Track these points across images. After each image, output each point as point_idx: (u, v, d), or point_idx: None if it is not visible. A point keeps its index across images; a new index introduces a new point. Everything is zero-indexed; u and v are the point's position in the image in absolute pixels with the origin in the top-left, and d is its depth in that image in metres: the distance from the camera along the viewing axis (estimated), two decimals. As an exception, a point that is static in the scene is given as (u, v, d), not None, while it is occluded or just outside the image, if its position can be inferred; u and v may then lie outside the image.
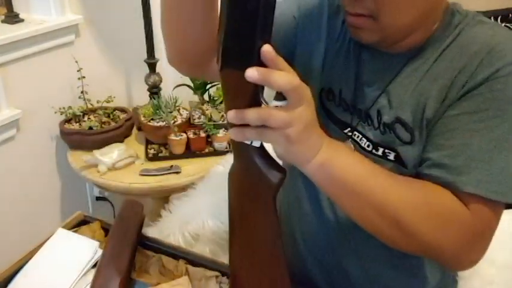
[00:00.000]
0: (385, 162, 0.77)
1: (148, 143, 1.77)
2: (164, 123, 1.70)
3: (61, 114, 1.74)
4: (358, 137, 0.80)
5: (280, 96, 0.57)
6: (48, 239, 0.91)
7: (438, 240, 0.67)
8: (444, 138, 0.70)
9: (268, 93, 0.58)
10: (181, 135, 1.68)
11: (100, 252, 0.87)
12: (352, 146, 0.80)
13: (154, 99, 1.78)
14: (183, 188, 1.53)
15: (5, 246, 1.63)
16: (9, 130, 1.63)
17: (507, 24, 1.33)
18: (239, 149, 0.64)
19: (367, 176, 0.67)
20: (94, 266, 0.87)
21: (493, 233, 0.70)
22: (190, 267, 0.87)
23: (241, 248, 0.71)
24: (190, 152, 1.71)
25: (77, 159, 1.68)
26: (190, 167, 1.64)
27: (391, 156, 0.77)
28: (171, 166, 1.64)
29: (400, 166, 0.76)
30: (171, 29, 0.73)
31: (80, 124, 1.74)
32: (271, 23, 0.54)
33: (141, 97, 1.92)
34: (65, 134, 1.73)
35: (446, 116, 0.71)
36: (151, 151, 1.73)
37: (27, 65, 1.65)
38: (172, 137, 1.68)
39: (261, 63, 0.55)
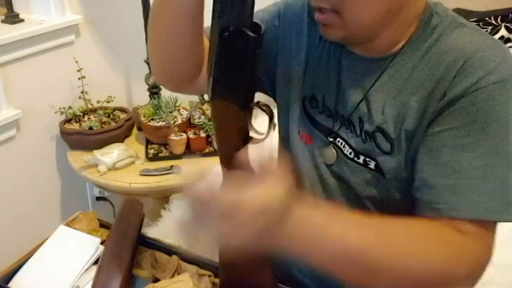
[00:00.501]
0: (365, 171, 0.76)
1: (148, 143, 1.77)
2: (164, 123, 1.70)
3: (61, 114, 1.74)
4: (341, 143, 0.80)
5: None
6: (49, 236, 0.92)
7: (450, 282, 0.62)
8: (432, 156, 0.68)
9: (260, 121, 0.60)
10: (182, 135, 1.68)
11: (101, 248, 0.88)
12: (334, 152, 0.80)
13: (155, 99, 1.78)
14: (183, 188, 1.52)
15: (5, 246, 1.63)
16: (9, 130, 1.63)
17: (507, 24, 1.33)
18: (229, 168, 0.65)
19: (356, 241, 0.58)
20: (95, 262, 0.87)
21: (493, 248, 0.66)
22: (183, 263, 0.88)
23: (228, 259, 0.73)
24: (191, 152, 1.71)
25: (77, 159, 1.68)
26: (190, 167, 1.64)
27: (372, 165, 0.76)
28: (171, 166, 1.64)
29: (379, 175, 0.75)
30: (159, 51, 0.75)
31: (80, 124, 1.75)
32: (259, 57, 0.56)
33: (141, 97, 1.92)
34: (65, 134, 1.73)
35: (431, 134, 0.68)
36: (152, 151, 1.73)
37: (27, 65, 1.65)
38: (173, 137, 1.68)
39: (250, 94, 0.58)
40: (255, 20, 0.55)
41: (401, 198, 0.76)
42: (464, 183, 0.64)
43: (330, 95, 0.80)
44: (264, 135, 0.60)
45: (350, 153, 0.78)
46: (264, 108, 0.58)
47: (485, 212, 0.64)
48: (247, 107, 0.58)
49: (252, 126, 0.60)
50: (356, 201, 0.80)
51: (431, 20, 0.72)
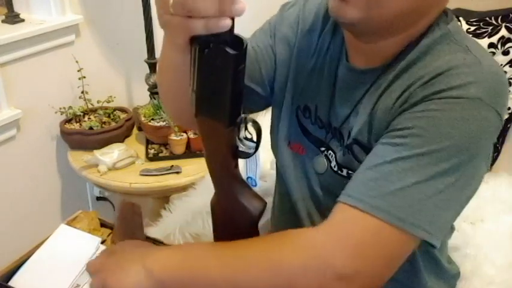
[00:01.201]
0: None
1: (148, 143, 1.77)
2: (164, 123, 1.70)
3: (61, 114, 1.75)
4: (331, 155, 0.79)
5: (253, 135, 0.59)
6: (50, 235, 0.92)
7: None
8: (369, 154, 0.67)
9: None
10: (182, 135, 1.68)
11: (102, 248, 0.88)
12: (325, 162, 0.79)
13: (155, 99, 1.78)
14: (184, 188, 1.53)
15: (5, 246, 1.63)
16: (9, 130, 1.63)
17: (507, 24, 1.33)
18: (219, 182, 0.66)
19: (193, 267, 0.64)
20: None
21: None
22: None
23: None
24: (191, 152, 1.71)
25: (77, 159, 1.68)
26: (190, 167, 1.64)
27: None
28: (172, 166, 1.64)
29: None
30: (166, 98, 0.77)
31: (80, 124, 1.75)
32: (242, 72, 0.54)
33: (141, 97, 1.92)
34: (66, 134, 1.73)
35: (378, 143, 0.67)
36: (152, 151, 1.73)
37: (27, 65, 1.65)
38: (173, 137, 1.68)
39: (235, 110, 0.56)
40: (251, 42, 0.54)
41: None
42: (369, 175, 0.62)
43: (322, 106, 0.79)
44: (253, 150, 0.59)
45: (334, 166, 0.78)
46: (251, 123, 0.57)
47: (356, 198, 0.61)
48: (233, 123, 0.57)
49: (241, 140, 0.59)
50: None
51: (427, 34, 0.68)
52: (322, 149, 0.80)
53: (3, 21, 1.64)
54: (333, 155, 0.78)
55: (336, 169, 0.78)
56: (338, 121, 0.77)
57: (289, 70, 0.83)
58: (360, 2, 0.64)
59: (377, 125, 0.70)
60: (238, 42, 0.52)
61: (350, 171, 0.75)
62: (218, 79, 0.53)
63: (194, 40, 0.51)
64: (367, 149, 0.70)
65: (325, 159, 0.80)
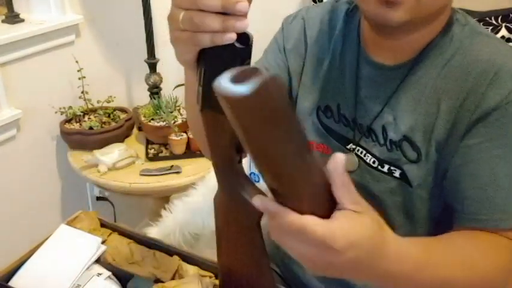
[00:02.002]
0: (390, 179, 0.76)
1: (148, 143, 1.77)
2: (164, 123, 1.70)
3: (61, 114, 1.75)
4: (361, 152, 0.79)
5: None
6: (50, 235, 0.92)
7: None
8: (468, 168, 0.69)
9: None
10: (182, 135, 1.68)
11: (102, 248, 0.88)
12: (356, 159, 0.79)
13: (155, 99, 1.78)
14: (184, 188, 1.53)
15: (5, 246, 1.63)
16: (9, 130, 1.63)
17: (507, 24, 1.33)
18: (223, 177, 0.65)
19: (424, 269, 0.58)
20: (96, 261, 0.87)
21: None
22: (184, 264, 0.88)
23: (227, 263, 0.73)
24: (191, 152, 1.71)
25: (77, 159, 1.68)
26: (190, 167, 1.64)
27: (397, 174, 0.76)
28: (172, 166, 1.64)
29: (405, 184, 0.75)
30: (199, 134, 0.77)
31: (81, 124, 1.75)
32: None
33: (141, 97, 1.92)
34: (66, 134, 1.73)
35: (466, 146, 0.69)
36: (152, 151, 1.73)
37: (27, 65, 1.65)
38: (173, 137, 1.68)
39: None
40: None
41: (425, 207, 0.76)
42: (502, 194, 0.67)
43: (346, 104, 0.80)
44: None
45: (373, 162, 0.78)
46: None
47: None
48: None
49: None
50: (378, 209, 0.78)
51: (452, 28, 0.72)
52: (350, 146, 0.81)
53: (3, 21, 1.64)
54: (365, 152, 0.79)
55: (375, 165, 0.78)
56: (368, 118, 0.78)
57: (301, 77, 0.85)
58: (408, 4, 0.64)
59: (440, 124, 0.71)
60: (244, 38, 0.53)
61: (392, 167, 0.76)
62: (224, 72, 0.54)
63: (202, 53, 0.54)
64: (416, 147, 0.73)
65: (355, 157, 0.80)
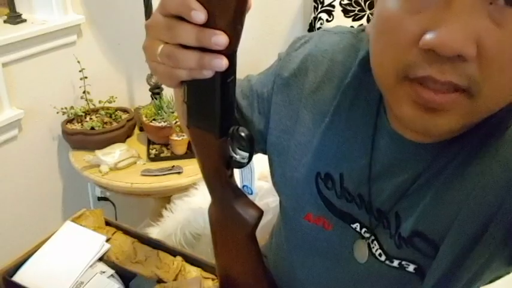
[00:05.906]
0: (402, 273, 0.63)
1: (150, 143, 1.77)
2: (166, 123, 1.70)
3: (63, 114, 1.75)
4: (370, 238, 0.65)
5: (246, 145, 0.58)
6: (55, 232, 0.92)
7: None
8: None
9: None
10: (183, 136, 1.68)
11: (107, 246, 0.89)
12: (366, 249, 0.66)
13: (156, 99, 1.78)
14: (185, 188, 1.53)
15: (6, 246, 1.63)
16: (11, 130, 1.63)
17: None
18: (214, 191, 0.65)
19: None
20: (100, 259, 0.88)
21: None
22: (187, 265, 0.88)
23: (224, 272, 0.74)
24: (192, 152, 1.70)
25: (79, 159, 1.68)
26: (191, 167, 1.64)
27: (410, 268, 0.63)
28: (173, 166, 1.64)
29: (421, 280, 0.62)
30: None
31: (82, 124, 1.75)
32: (233, 84, 0.53)
33: (142, 97, 1.93)
34: (67, 134, 1.73)
35: None
36: (153, 151, 1.73)
37: (29, 65, 1.65)
38: (174, 137, 1.68)
39: (225, 122, 0.55)
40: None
41: None
42: None
43: (350, 175, 0.65)
44: (246, 160, 0.58)
45: (380, 255, 0.65)
46: (242, 134, 0.56)
47: None
48: (224, 134, 0.57)
49: (234, 150, 0.59)
50: None
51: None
52: (354, 226, 0.67)
53: (5, 22, 1.64)
54: (372, 238, 0.65)
55: (382, 259, 0.64)
56: (380, 199, 0.63)
57: (294, 130, 0.70)
58: (461, 108, 0.47)
59: (464, 219, 0.56)
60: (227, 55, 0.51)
61: (404, 262, 0.63)
62: (207, 91, 0.53)
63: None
64: (433, 244, 0.59)
65: (365, 244, 0.66)
